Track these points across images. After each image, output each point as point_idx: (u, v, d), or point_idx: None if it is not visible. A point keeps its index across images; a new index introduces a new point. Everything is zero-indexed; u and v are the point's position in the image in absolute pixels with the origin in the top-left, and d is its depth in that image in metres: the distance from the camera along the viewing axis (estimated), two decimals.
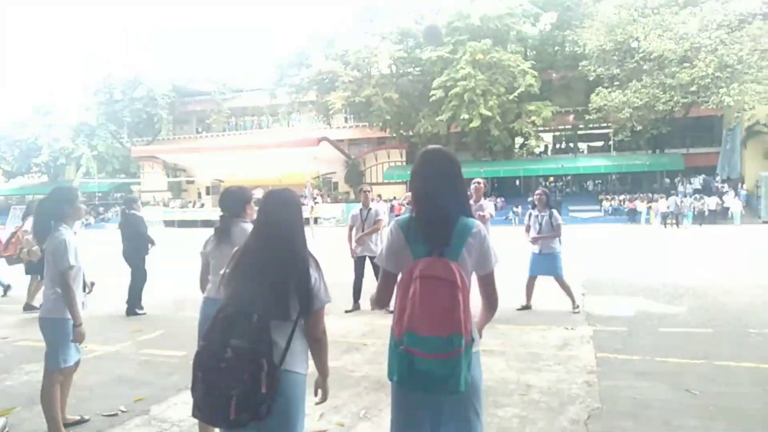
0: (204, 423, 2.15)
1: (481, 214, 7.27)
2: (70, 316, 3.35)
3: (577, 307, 6.89)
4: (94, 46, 41.22)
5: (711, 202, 26.80)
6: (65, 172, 43.44)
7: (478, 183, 7.16)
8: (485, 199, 7.40)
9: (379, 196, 31.11)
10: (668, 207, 25.86)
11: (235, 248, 2.34)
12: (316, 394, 2.31)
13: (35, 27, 71.78)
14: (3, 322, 7.20)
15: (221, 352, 1.93)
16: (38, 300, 7.42)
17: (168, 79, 39.44)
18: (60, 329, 3.37)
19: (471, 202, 6.87)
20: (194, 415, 2.04)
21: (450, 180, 2.12)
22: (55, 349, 3.38)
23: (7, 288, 9.19)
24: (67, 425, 3.53)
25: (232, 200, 3.47)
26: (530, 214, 7.17)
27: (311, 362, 2.24)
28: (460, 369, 1.87)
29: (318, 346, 2.23)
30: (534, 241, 7.03)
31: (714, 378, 4.41)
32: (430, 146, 2.19)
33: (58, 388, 3.46)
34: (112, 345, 5.82)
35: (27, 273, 7.83)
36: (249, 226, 3.28)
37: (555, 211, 7.06)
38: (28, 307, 7.70)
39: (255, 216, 2.79)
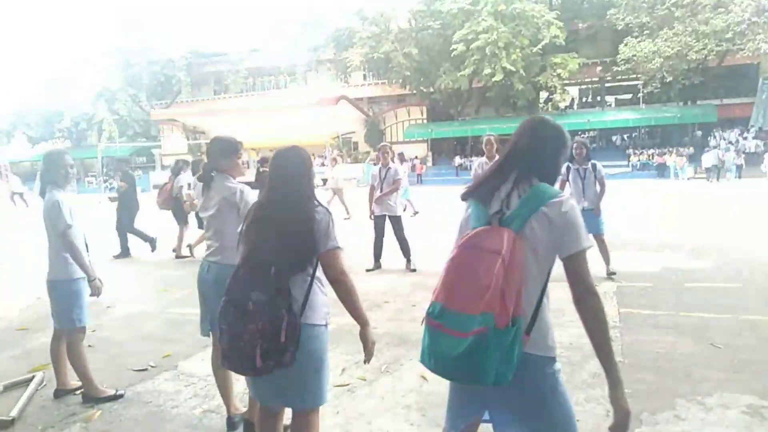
0: (233, 371, 2.24)
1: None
2: (76, 277, 3.41)
3: (614, 273, 6.27)
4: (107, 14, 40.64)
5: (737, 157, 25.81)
6: (87, 137, 43.99)
7: (489, 137, 6.76)
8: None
9: (401, 154, 30.82)
10: (710, 160, 25.13)
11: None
12: (365, 349, 2.34)
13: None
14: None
15: (243, 305, 2.04)
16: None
17: (184, 42, 39.15)
18: (69, 290, 3.43)
19: (484, 159, 6.71)
20: (223, 364, 2.18)
21: (544, 144, 1.83)
22: (68, 309, 3.45)
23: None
24: (70, 390, 3.63)
25: (214, 151, 3.14)
26: (568, 167, 6.46)
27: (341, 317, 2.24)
28: (484, 355, 1.56)
29: (340, 287, 2.24)
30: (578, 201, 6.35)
31: (739, 332, 4.34)
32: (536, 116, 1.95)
33: (82, 346, 3.56)
34: (139, 304, 5.98)
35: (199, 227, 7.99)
36: (231, 184, 3.03)
37: (598, 164, 6.48)
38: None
39: (242, 171, 3.13)
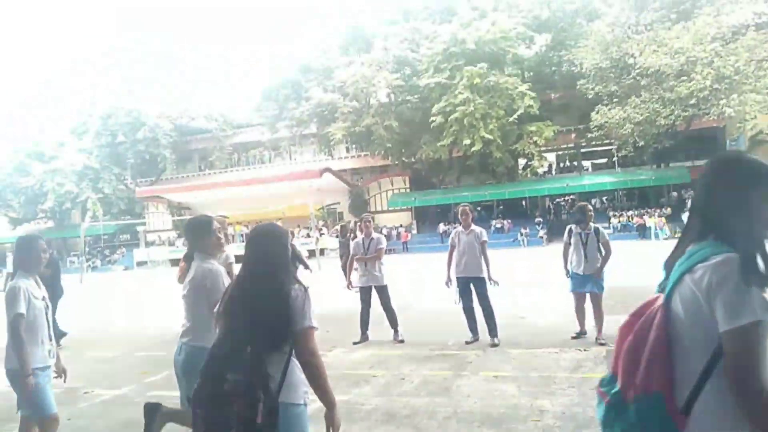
0: None
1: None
2: (33, 367, 3.25)
3: (604, 342, 6.01)
4: (93, 89, 41.50)
5: None
6: (71, 216, 43.79)
7: (464, 208, 6.82)
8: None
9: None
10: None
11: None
12: (328, 431, 2.21)
13: (32, 66, 73.37)
14: None
15: (219, 386, 1.98)
16: None
17: (168, 119, 39.99)
18: (18, 379, 3.28)
19: (461, 228, 6.77)
20: None
21: (716, 187, 1.49)
22: (30, 398, 3.30)
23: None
24: None
25: (189, 232, 3.24)
26: (570, 231, 6.50)
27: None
28: (608, 426, 1.47)
29: (309, 369, 2.17)
30: (582, 272, 6.32)
31: None
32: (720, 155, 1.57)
33: None
34: (118, 388, 5.75)
35: None
36: (206, 266, 3.10)
37: (601, 228, 6.41)
38: None
39: (224, 247, 2.94)
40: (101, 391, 5.62)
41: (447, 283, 6.84)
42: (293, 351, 2.15)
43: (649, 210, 30.14)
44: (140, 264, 35.15)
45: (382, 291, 7.21)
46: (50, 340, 3.43)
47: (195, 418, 2.03)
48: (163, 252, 36.09)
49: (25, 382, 3.22)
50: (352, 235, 8.91)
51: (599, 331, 6.25)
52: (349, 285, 7.41)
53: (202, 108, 41.93)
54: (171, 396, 5.41)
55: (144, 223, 40.50)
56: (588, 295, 6.38)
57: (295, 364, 2.17)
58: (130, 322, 8.03)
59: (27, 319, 3.28)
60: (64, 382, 3.39)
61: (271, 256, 2.23)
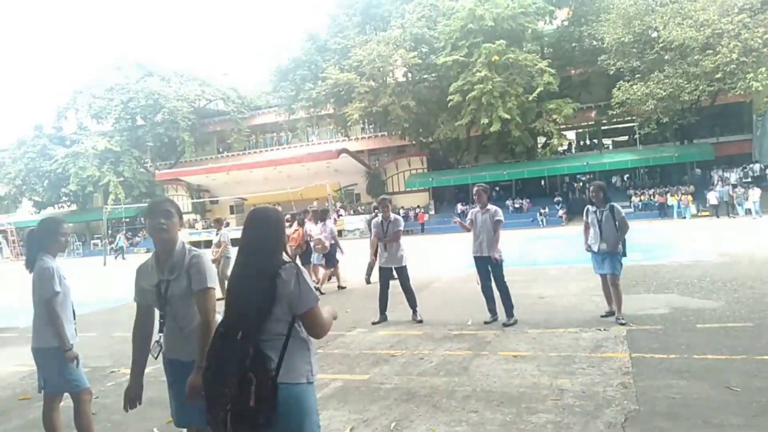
0: None
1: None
2: (61, 344, 3.36)
3: (623, 319, 6.06)
4: (111, 71, 41.71)
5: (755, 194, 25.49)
6: (93, 199, 44.53)
7: (479, 188, 6.77)
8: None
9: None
10: (717, 198, 25.26)
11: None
12: None
13: (52, 52, 74.13)
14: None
15: (218, 371, 2.07)
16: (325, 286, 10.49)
17: (186, 101, 40.13)
18: (57, 357, 3.38)
19: (478, 207, 6.73)
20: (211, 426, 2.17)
21: None
22: (63, 375, 3.41)
23: None
24: None
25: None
26: (587, 210, 6.54)
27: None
28: None
29: (319, 337, 2.26)
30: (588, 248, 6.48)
31: (756, 373, 4.23)
32: None
33: (90, 410, 3.50)
34: None
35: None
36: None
37: (616, 206, 6.38)
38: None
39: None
40: (127, 370, 5.75)
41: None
42: (291, 331, 2.16)
43: (671, 188, 29.59)
44: None
45: (402, 272, 7.24)
46: (74, 319, 3.51)
47: (205, 400, 2.13)
48: (183, 235, 36.54)
49: (67, 356, 3.35)
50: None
51: (618, 310, 6.21)
52: (372, 259, 7.45)
53: (220, 90, 41.96)
54: None
55: None
56: (607, 276, 6.32)
57: (296, 344, 2.17)
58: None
59: (59, 297, 3.38)
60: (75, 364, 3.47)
61: (259, 240, 2.23)
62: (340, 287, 10.69)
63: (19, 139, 43.04)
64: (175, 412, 2.77)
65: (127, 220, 41.23)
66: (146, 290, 2.69)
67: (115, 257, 30.84)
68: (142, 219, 42.62)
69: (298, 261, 10.35)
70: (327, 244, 10.24)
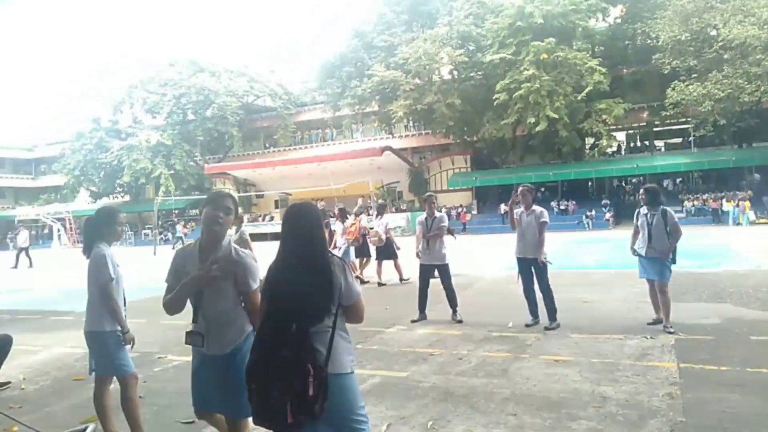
0: (266, 428, 2.29)
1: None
2: (112, 329, 3.50)
3: (671, 328, 5.85)
4: (166, 70, 43.04)
5: None
6: (145, 191, 46.16)
7: (524, 188, 6.66)
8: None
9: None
10: None
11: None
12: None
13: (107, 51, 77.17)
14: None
15: (270, 363, 2.13)
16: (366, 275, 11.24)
17: (235, 96, 41.02)
18: (108, 340, 3.51)
19: (522, 208, 6.61)
20: (255, 422, 2.26)
21: None
22: (112, 359, 3.54)
23: None
24: None
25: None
26: (638, 213, 6.33)
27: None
28: None
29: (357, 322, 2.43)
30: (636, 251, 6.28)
31: None
32: None
33: (137, 394, 3.64)
34: (189, 355, 6.07)
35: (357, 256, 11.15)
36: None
37: (669, 210, 6.13)
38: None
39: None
40: (173, 357, 5.96)
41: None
42: (336, 322, 2.27)
43: (727, 193, 28.29)
44: None
45: (444, 270, 7.21)
46: (125, 305, 3.66)
47: (250, 392, 2.19)
48: (247, 229, 37.49)
49: (127, 338, 3.52)
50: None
51: (666, 318, 5.99)
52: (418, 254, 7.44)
53: (267, 86, 42.72)
54: None
55: None
56: (655, 283, 6.12)
57: (340, 335, 2.29)
58: None
59: (114, 282, 3.53)
60: (131, 347, 3.62)
61: (308, 235, 2.32)
62: (402, 280, 10.74)
63: (78, 131, 44.98)
64: (200, 399, 2.83)
65: (177, 211, 42.58)
66: (186, 274, 2.73)
67: (173, 246, 31.92)
68: (197, 210, 43.97)
69: (352, 252, 10.94)
70: (383, 237, 10.81)
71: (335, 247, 10.68)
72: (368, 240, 11.07)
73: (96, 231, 3.63)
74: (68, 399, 4.79)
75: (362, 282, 10.81)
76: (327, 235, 10.70)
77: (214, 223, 2.69)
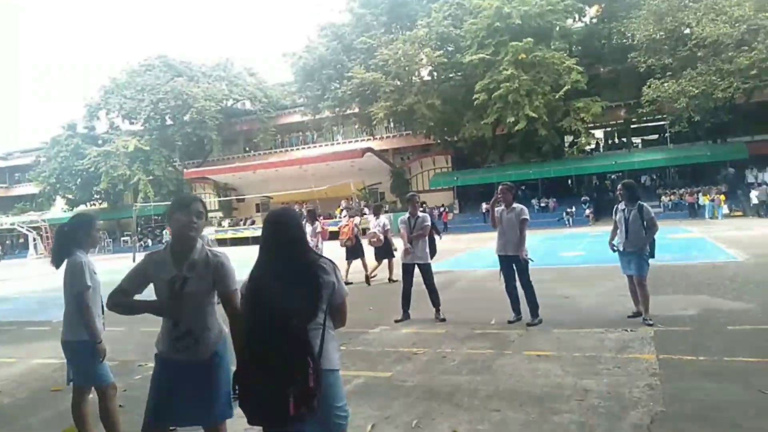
0: (264, 427, 2.30)
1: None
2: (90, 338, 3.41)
3: (650, 320, 5.94)
4: (143, 74, 42.39)
5: None
6: (124, 197, 45.50)
7: (503, 186, 6.70)
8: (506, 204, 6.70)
9: (424, 203, 30.83)
10: (758, 196, 24.86)
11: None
12: None
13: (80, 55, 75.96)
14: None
15: (270, 358, 2.16)
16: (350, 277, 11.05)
17: (214, 101, 40.62)
18: (85, 350, 3.43)
19: (502, 206, 6.65)
20: (251, 422, 2.24)
21: None
22: (89, 368, 3.48)
23: None
24: None
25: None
26: (616, 209, 6.43)
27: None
28: None
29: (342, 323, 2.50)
30: (614, 246, 6.40)
31: None
32: None
33: (115, 404, 3.58)
34: None
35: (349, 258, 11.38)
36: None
37: (645, 205, 6.22)
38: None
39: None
40: (151, 363, 5.87)
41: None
42: (326, 320, 2.36)
43: (702, 188, 28.85)
44: None
45: (426, 269, 7.22)
46: (102, 313, 3.58)
47: (244, 391, 2.22)
48: (210, 232, 37.18)
49: (98, 349, 3.41)
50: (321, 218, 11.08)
51: (645, 311, 6.09)
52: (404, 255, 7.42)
53: (247, 90, 42.40)
54: None
55: None
56: (633, 277, 6.21)
57: (329, 334, 2.37)
58: None
59: (90, 291, 3.44)
60: (103, 358, 3.54)
61: (290, 239, 2.37)
62: (391, 280, 10.80)
63: (53, 138, 44.21)
64: (161, 411, 2.74)
65: (157, 217, 42.06)
66: (159, 281, 2.67)
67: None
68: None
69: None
70: (381, 237, 11.01)
71: (353, 243, 10.92)
72: (369, 241, 11.23)
73: (71, 238, 3.55)
74: (46, 410, 4.69)
75: (390, 280, 10.80)
76: (350, 231, 11.22)
77: (188, 229, 2.64)
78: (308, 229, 10.66)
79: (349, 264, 11.38)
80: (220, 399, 2.66)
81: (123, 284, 2.70)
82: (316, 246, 10.38)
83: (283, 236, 2.36)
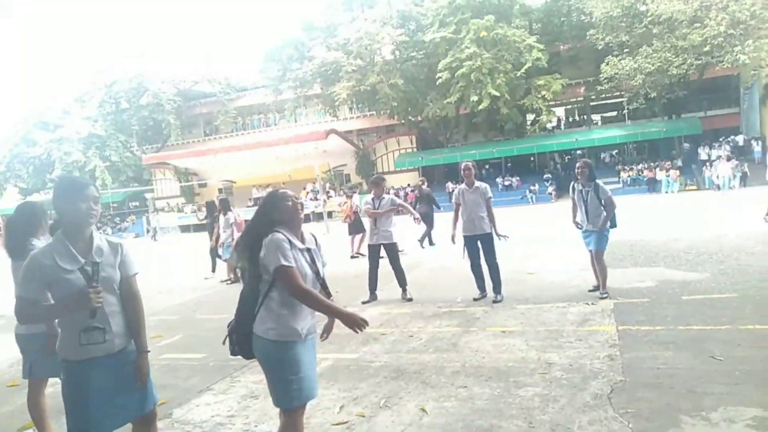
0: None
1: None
2: (42, 331, 3.29)
3: (606, 293, 6.16)
4: (93, 54, 40.79)
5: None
6: None
7: (467, 164, 6.77)
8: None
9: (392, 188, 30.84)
10: (725, 171, 25.63)
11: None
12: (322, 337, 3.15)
13: (32, 37, 72.51)
14: None
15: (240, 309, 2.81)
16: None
17: (171, 83, 39.36)
18: (41, 341, 3.32)
19: (464, 185, 6.70)
20: (246, 357, 2.86)
21: None
22: (46, 360, 3.33)
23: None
24: None
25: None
26: (572, 187, 6.51)
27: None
28: None
29: (299, 299, 2.69)
30: (577, 224, 6.51)
31: (739, 342, 4.30)
32: None
33: (42, 398, 3.51)
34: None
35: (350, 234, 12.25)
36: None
37: (601, 184, 6.31)
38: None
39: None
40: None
41: (453, 239, 6.87)
42: (269, 291, 2.67)
43: (660, 163, 29.71)
44: (149, 231, 35.47)
45: (391, 249, 7.23)
46: None
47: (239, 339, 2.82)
48: (173, 218, 36.36)
49: (50, 343, 3.21)
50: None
51: (602, 285, 6.26)
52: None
53: (206, 71, 41.20)
54: (185, 358, 5.54)
55: (152, 190, 40.63)
56: (592, 252, 6.36)
57: (272, 301, 2.67)
58: (143, 287, 8.15)
59: None
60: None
61: (255, 215, 2.84)
62: (353, 255, 11.87)
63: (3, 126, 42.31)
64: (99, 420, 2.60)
65: (115, 204, 40.89)
66: (67, 274, 2.45)
67: (153, 237, 31.71)
68: (137, 203, 42.18)
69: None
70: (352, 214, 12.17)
71: (219, 245, 10.10)
72: (359, 218, 12.10)
73: (23, 227, 3.46)
74: (3, 406, 4.54)
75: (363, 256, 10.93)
76: (349, 210, 12.20)
77: (89, 216, 2.50)
78: (221, 220, 10.10)
79: (353, 239, 12.26)
80: (147, 385, 2.72)
81: (28, 295, 2.45)
82: (231, 237, 9.71)
83: (256, 212, 2.89)
